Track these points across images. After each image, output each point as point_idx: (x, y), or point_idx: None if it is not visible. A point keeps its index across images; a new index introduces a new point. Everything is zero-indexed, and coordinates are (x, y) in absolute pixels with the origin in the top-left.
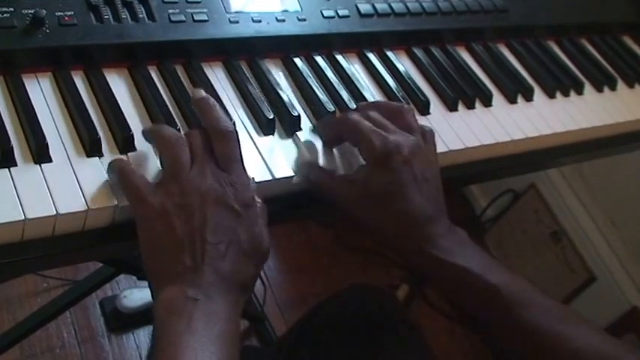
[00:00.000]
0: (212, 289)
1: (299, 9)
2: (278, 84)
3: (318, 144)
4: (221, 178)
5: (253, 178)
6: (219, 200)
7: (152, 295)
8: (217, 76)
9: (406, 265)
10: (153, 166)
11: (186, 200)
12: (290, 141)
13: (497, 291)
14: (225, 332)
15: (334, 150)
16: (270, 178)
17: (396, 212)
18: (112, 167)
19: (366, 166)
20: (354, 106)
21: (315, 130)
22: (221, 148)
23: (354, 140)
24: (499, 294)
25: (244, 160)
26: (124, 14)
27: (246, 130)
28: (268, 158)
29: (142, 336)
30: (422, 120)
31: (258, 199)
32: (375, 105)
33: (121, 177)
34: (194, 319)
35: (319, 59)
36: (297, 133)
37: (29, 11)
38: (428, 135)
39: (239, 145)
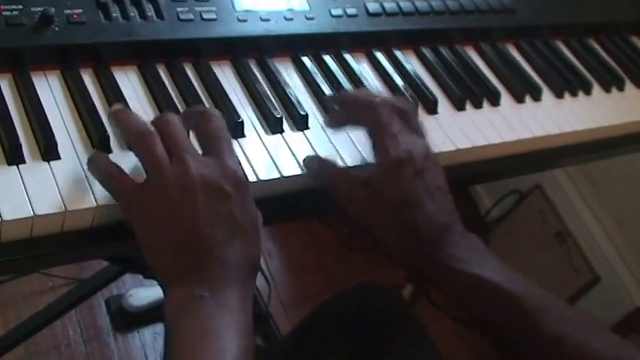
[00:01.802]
0: (218, 282)
1: (307, 8)
2: (286, 83)
3: (305, 146)
4: (205, 162)
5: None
6: (208, 186)
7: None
8: (226, 74)
9: (420, 274)
10: None
11: (172, 196)
12: (298, 139)
13: (516, 299)
14: (237, 323)
15: (321, 149)
16: (278, 176)
17: (410, 221)
18: (95, 166)
19: (377, 170)
20: None
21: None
22: (206, 127)
23: (374, 135)
24: (519, 302)
25: (252, 159)
26: (133, 12)
27: (254, 128)
28: (276, 156)
29: (148, 335)
30: (430, 119)
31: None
32: (383, 101)
33: (105, 179)
34: (202, 316)
35: (327, 58)
36: (305, 132)
37: (38, 9)
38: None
39: (225, 125)
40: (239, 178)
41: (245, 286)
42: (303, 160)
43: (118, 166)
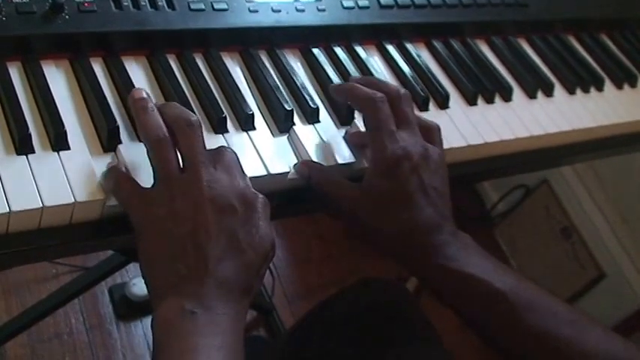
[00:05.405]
0: (211, 299)
1: None
2: (297, 75)
3: (316, 140)
4: (218, 175)
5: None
6: (215, 202)
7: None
8: (236, 65)
9: (411, 274)
10: None
11: (176, 205)
12: (308, 132)
13: (503, 296)
14: (227, 345)
15: (331, 143)
16: (288, 169)
17: (401, 220)
18: (107, 174)
19: (371, 167)
20: None
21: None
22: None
23: (371, 127)
24: (505, 299)
25: (262, 151)
26: (144, 2)
27: (265, 121)
28: (286, 149)
29: None
30: (441, 114)
31: (259, 195)
32: (383, 98)
33: (114, 184)
34: (193, 334)
35: (338, 50)
36: (315, 125)
37: None
38: (433, 131)
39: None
40: (249, 198)
41: (238, 306)
42: (294, 165)
43: (126, 174)
